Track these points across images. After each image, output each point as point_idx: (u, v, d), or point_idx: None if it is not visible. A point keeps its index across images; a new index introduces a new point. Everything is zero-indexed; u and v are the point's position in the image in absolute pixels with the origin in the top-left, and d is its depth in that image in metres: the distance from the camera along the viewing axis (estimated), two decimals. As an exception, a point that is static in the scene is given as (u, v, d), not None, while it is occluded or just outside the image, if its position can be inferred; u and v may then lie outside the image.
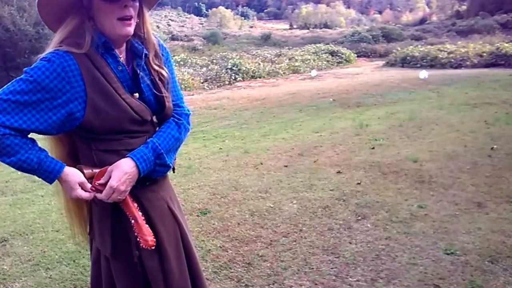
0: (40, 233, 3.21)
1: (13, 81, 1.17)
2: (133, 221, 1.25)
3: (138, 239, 1.25)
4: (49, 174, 1.18)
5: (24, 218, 3.53)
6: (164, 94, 1.32)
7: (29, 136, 1.20)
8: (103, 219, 1.31)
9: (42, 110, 1.16)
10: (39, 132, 1.19)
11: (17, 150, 1.14)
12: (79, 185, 1.21)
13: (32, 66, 1.17)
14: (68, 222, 1.44)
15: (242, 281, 2.42)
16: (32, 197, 4.05)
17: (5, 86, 1.17)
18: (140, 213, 1.26)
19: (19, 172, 4.91)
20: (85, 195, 1.21)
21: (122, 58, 1.28)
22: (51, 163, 1.18)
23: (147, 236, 1.25)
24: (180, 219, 1.40)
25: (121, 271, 1.32)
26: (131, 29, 1.23)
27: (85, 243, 1.49)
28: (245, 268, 2.55)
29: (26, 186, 4.46)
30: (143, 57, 1.30)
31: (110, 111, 1.21)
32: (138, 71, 1.28)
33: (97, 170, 1.23)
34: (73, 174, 1.20)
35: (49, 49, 1.21)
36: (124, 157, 1.24)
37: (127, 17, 1.21)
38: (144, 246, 1.25)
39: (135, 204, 1.27)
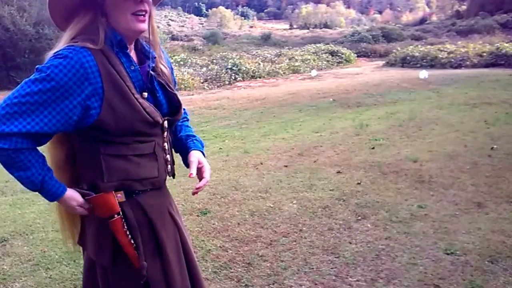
0: (40, 233, 3.21)
1: (27, 81, 1.11)
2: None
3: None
4: (50, 196, 1.19)
5: (24, 218, 3.53)
6: (176, 93, 1.32)
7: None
8: (103, 230, 1.26)
9: (62, 111, 1.12)
10: (58, 132, 1.17)
11: (28, 166, 1.12)
12: (79, 206, 1.23)
13: (47, 64, 1.12)
14: (60, 227, 1.41)
15: (242, 281, 2.42)
16: (32, 197, 4.05)
17: (19, 87, 1.11)
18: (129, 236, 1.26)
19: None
20: (84, 213, 1.25)
21: (133, 58, 1.26)
22: (53, 187, 1.18)
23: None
24: (180, 224, 1.39)
25: (120, 281, 1.28)
26: (145, 25, 1.21)
27: (75, 249, 1.44)
28: (245, 268, 2.55)
29: (26, 186, 4.46)
30: (152, 58, 1.29)
31: (125, 110, 1.18)
32: (151, 72, 1.27)
33: (90, 196, 1.22)
34: (72, 197, 1.22)
35: (61, 45, 1.17)
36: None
37: (141, 12, 1.19)
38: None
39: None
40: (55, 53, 1.15)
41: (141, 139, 1.24)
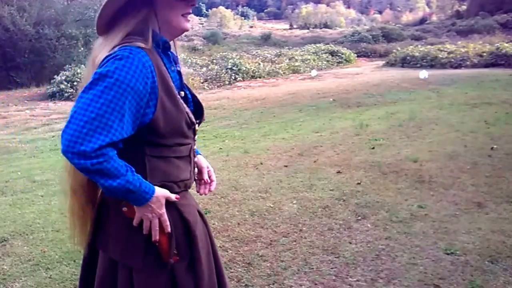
0: (40, 233, 3.21)
1: (93, 90, 1.07)
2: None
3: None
4: (146, 194, 1.14)
5: (24, 218, 3.53)
6: (197, 95, 1.35)
7: None
8: (134, 230, 1.22)
9: (137, 113, 1.12)
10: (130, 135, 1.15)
11: (122, 172, 1.09)
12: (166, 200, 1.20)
13: (111, 68, 1.08)
14: (69, 224, 1.36)
15: (242, 281, 2.42)
16: (32, 197, 4.05)
17: (89, 100, 1.06)
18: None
19: (19, 172, 4.86)
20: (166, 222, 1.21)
21: None
22: (147, 183, 1.15)
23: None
24: (208, 223, 1.41)
25: (147, 283, 1.24)
26: (190, 26, 1.27)
27: (82, 247, 1.40)
28: (245, 268, 2.55)
29: (26, 186, 4.46)
30: (177, 60, 1.32)
31: (173, 110, 1.19)
32: (182, 73, 1.30)
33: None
34: (161, 190, 1.19)
35: (111, 46, 1.16)
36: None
37: (189, 14, 1.25)
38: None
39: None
40: (112, 55, 1.12)
41: (181, 141, 1.26)
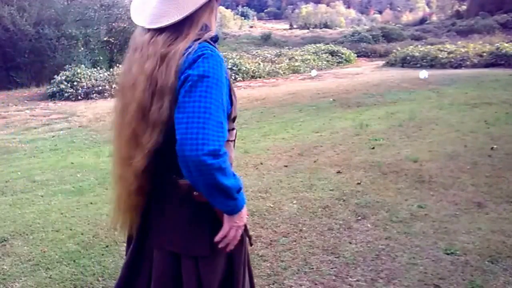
0: (40, 233, 3.21)
1: (197, 92, 1.08)
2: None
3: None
4: (243, 200, 1.20)
5: (24, 218, 3.53)
6: None
7: None
8: (199, 219, 1.25)
9: (226, 108, 1.17)
10: None
11: (231, 172, 1.14)
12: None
13: (206, 68, 1.10)
14: (113, 210, 1.34)
15: (242, 281, 2.42)
16: (32, 197, 4.04)
17: (195, 102, 1.07)
18: None
19: (19, 172, 4.85)
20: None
21: None
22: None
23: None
24: None
25: (212, 271, 1.27)
26: None
27: (123, 234, 1.41)
28: (245, 268, 2.55)
29: (26, 186, 4.46)
30: None
31: (234, 98, 1.26)
32: None
33: None
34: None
35: (186, 40, 1.16)
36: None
37: None
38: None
39: None
40: (197, 54, 1.13)
41: (233, 126, 1.31)
